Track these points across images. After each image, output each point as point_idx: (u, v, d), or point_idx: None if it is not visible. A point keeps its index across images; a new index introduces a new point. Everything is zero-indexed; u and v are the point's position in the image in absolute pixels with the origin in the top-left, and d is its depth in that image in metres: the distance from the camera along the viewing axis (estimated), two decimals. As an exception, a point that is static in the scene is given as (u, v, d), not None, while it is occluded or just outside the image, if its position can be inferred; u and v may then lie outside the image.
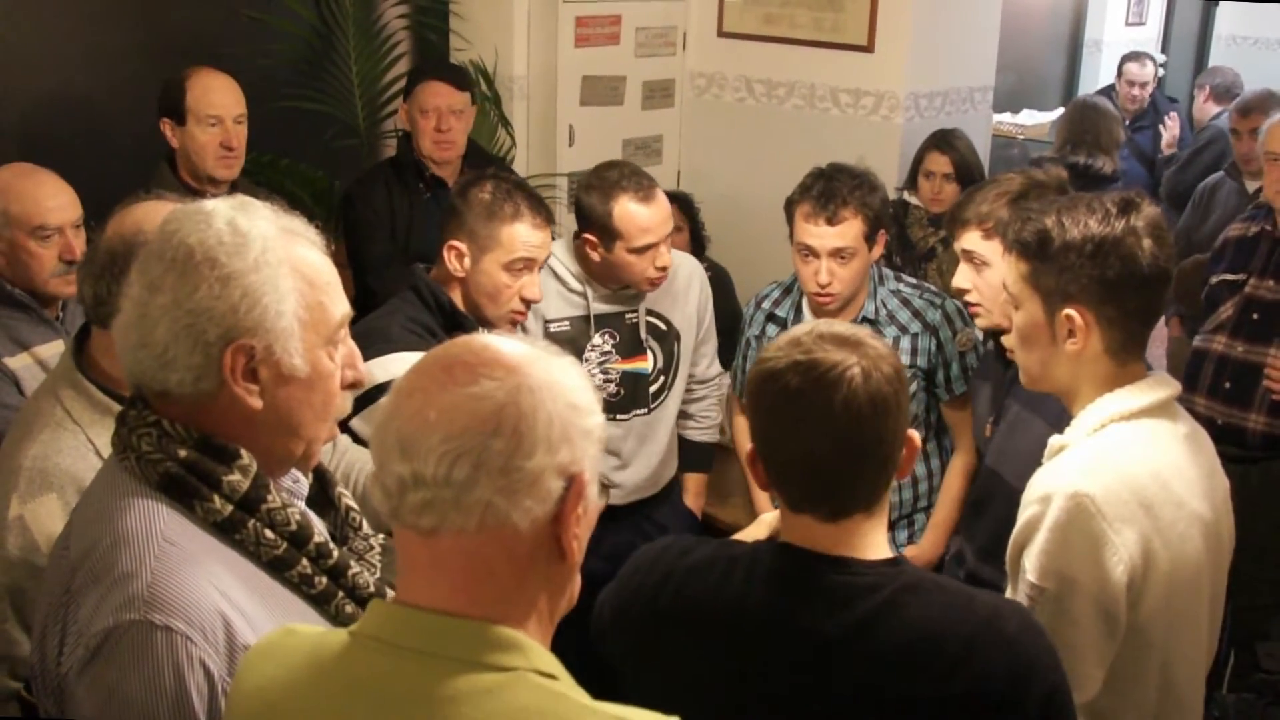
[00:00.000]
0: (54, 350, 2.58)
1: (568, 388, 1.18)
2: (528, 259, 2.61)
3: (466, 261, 2.59)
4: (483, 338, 1.22)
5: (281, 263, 1.41)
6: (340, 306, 1.47)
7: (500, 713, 1.12)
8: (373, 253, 3.64)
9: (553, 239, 2.76)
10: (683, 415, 3.34)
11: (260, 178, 4.27)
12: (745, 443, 3.11)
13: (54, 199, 2.69)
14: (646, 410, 3.15)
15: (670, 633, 1.60)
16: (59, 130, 3.92)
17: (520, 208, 2.59)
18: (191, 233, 1.39)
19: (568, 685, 1.17)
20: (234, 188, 3.39)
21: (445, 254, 2.60)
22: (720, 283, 4.31)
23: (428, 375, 1.17)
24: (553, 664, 1.18)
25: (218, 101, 3.31)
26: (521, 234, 2.58)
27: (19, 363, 2.58)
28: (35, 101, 3.94)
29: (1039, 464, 1.95)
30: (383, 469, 1.16)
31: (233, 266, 1.37)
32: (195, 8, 4.31)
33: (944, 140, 4.13)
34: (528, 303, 2.65)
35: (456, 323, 2.59)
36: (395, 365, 2.47)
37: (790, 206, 2.95)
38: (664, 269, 2.96)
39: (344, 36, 4.54)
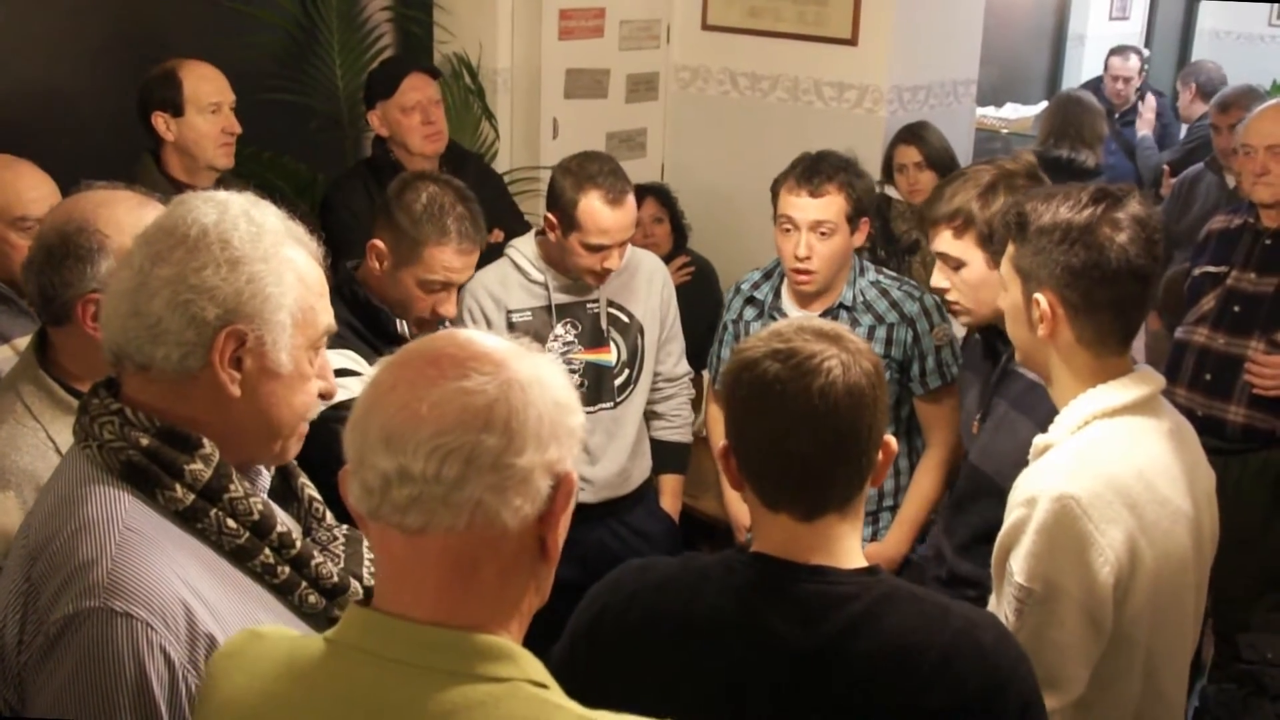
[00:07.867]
0: (34, 343, 2.56)
1: (554, 384, 1.16)
2: (445, 282, 2.54)
3: (386, 264, 2.55)
4: (463, 332, 1.20)
5: (289, 260, 1.43)
6: (327, 316, 1.48)
7: None
8: (351, 255, 3.61)
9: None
10: (654, 415, 3.32)
11: (242, 171, 4.24)
12: (719, 438, 3.12)
13: (34, 190, 2.67)
14: (612, 404, 3.14)
15: (642, 649, 1.57)
16: (36, 121, 3.88)
17: (448, 230, 2.50)
18: (208, 214, 1.41)
19: (558, 694, 1.14)
20: (219, 184, 3.37)
21: (368, 249, 2.56)
22: (705, 275, 4.32)
23: (411, 369, 1.14)
24: (542, 672, 1.15)
25: (215, 89, 3.31)
26: (443, 258, 2.51)
27: (-1, 355, 2.57)
28: (12, 92, 3.90)
29: (1024, 464, 1.94)
30: (362, 465, 1.12)
31: (244, 251, 1.39)
32: (176, -2, 4.29)
33: (910, 132, 4.17)
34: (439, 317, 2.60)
35: (373, 317, 2.57)
36: None
37: (775, 186, 2.97)
38: (608, 271, 2.98)
39: (327, 28, 4.51)
